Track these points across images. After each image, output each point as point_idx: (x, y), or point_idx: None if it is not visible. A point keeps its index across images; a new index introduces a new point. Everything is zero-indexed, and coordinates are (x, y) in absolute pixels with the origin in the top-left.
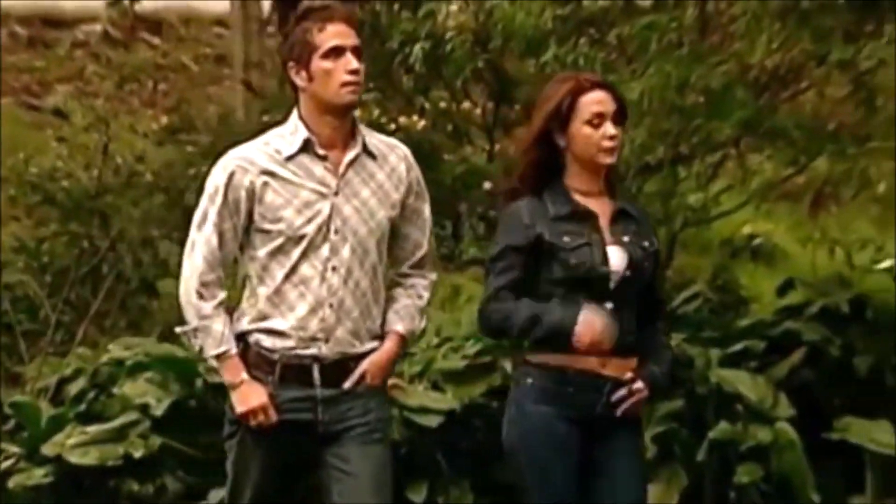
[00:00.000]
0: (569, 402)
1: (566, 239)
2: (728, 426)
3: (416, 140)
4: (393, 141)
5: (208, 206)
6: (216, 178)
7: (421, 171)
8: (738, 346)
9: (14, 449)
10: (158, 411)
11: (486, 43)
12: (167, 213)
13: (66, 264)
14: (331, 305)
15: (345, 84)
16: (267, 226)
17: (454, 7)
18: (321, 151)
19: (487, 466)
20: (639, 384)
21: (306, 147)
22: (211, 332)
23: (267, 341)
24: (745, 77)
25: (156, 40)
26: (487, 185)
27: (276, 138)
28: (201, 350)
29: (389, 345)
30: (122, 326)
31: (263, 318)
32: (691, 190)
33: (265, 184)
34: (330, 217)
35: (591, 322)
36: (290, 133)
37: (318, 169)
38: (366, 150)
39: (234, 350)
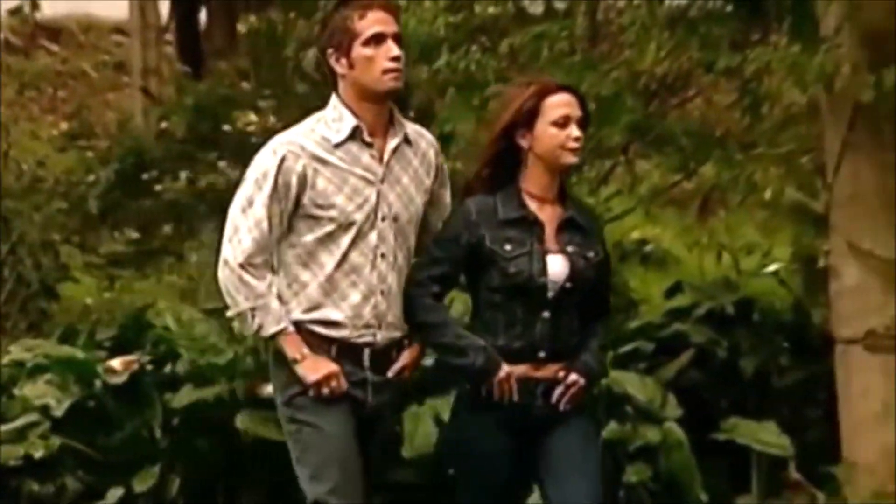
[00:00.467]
0: (503, 408)
1: (507, 247)
2: (618, 426)
3: None
4: (420, 128)
5: (254, 190)
6: (265, 163)
7: None
8: (627, 348)
9: None
10: (58, 412)
11: None
12: (67, 218)
13: None
14: (382, 292)
15: (387, 71)
16: (317, 212)
17: None
18: (368, 139)
19: (381, 465)
20: (573, 376)
21: (354, 134)
22: (270, 310)
23: (321, 330)
24: (635, 84)
25: (55, 47)
26: None
27: (321, 125)
28: (259, 329)
29: (419, 343)
30: (23, 328)
31: (315, 307)
32: (583, 195)
33: (316, 170)
34: (377, 204)
35: (508, 382)
36: (334, 120)
37: (365, 156)
38: (405, 139)
39: (291, 328)
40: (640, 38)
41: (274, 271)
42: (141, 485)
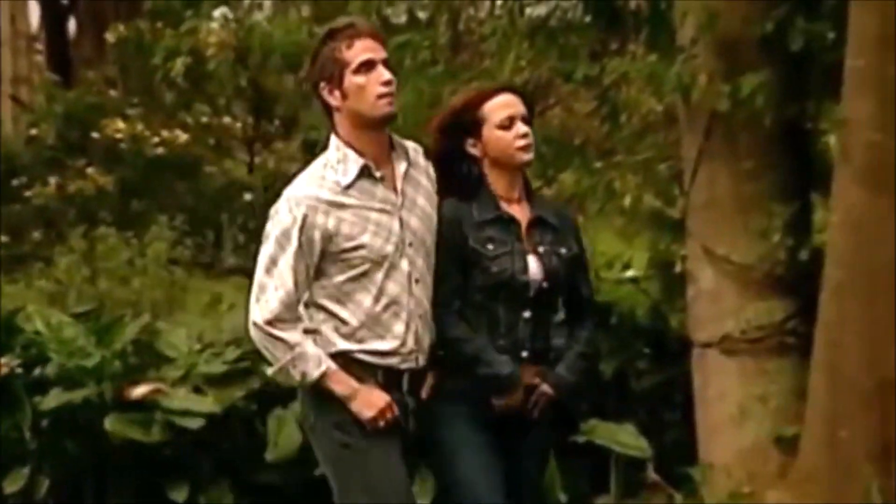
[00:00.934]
0: (481, 403)
1: (490, 247)
2: None
3: (178, 153)
4: (414, 144)
5: (277, 250)
6: (284, 221)
7: (183, 183)
8: None
9: None
10: None
11: (246, 59)
12: None
13: None
14: (420, 317)
15: (380, 96)
16: (347, 256)
17: (215, 24)
18: (377, 174)
19: (247, 467)
20: (544, 387)
21: (363, 173)
22: (308, 356)
23: (368, 358)
24: None
25: None
26: (248, 196)
27: (329, 171)
28: (303, 377)
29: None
30: None
31: (360, 340)
32: None
33: (339, 218)
34: (402, 232)
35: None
36: (339, 161)
37: (379, 189)
38: (409, 161)
39: (334, 365)
40: (501, 48)
41: (302, 319)
42: (11, 486)
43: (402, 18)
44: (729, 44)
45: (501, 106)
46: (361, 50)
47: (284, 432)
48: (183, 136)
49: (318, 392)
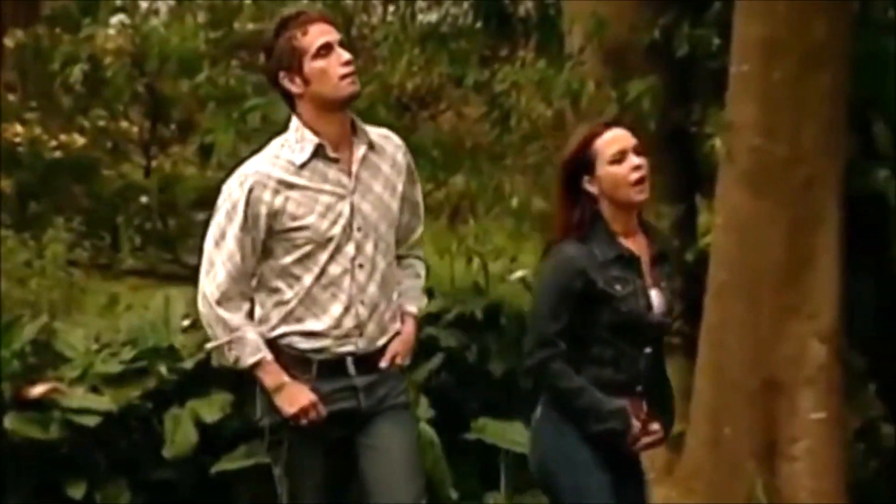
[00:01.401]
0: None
1: (618, 287)
2: None
3: (76, 157)
4: (385, 131)
5: (226, 222)
6: (233, 193)
7: (81, 186)
8: None
9: None
10: None
11: (143, 65)
12: None
13: None
14: (362, 302)
15: (343, 77)
16: (292, 235)
17: (112, 31)
18: (333, 154)
19: (143, 465)
20: (655, 426)
21: (317, 153)
22: (246, 341)
23: (302, 343)
24: (388, 98)
25: None
26: (144, 199)
27: (285, 149)
28: (236, 361)
29: (409, 327)
30: None
31: (296, 319)
32: None
33: (287, 197)
34: (351, 216)
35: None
36: (297, 141)
37: (332, 171)
38: (370, 146)
39: (269, 356)
40: (393, 53)
41: (251, 299)
42: None
43: None
44: (616, 50)
45: (612, 141)
46: (318, 34)
47: (180, 430)
48: (80, 140)
49: (261, 389)
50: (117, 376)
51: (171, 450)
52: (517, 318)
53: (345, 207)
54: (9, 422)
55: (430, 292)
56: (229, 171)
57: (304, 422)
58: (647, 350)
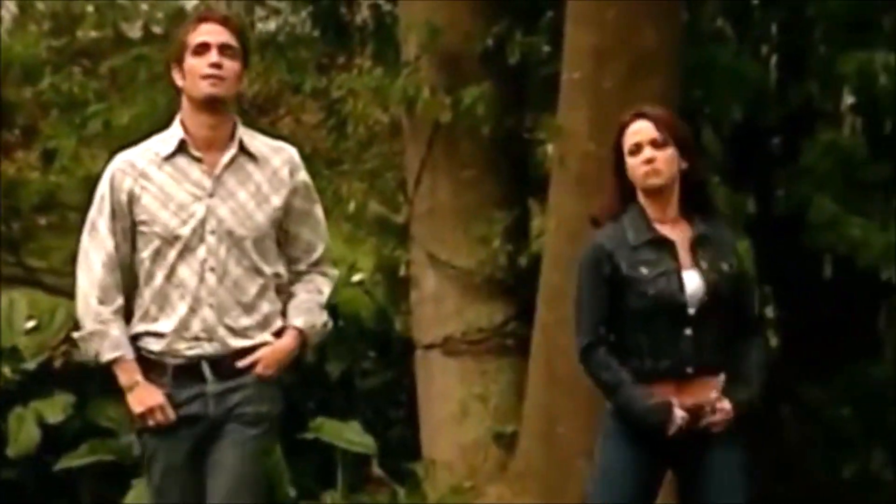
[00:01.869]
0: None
1: (644, 270)
2: None
3: None
4: (280, 144)
5: (97, 213)
6: (102, 184)
7: None
8: None
9: None
10: None
11: None
12: None
13: None
14: (210, 305)
15: (204, 77)
16: (145, 228)
17: None
18: (196, 153)
19: None
20: (723, 404)
21: (181, 148)
22: (107, 336)
23: (154, 344)
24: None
25: None
26: None
27: (158, 142)
28: (96, 355)
29: (286, 339)
30: None
31: (150, 320)
32: None
33: (143, 187)
34: (205, 218)
35: (675, 418)
36: (170, 135)
37: (195, 171)
38: (245, 152)
39: (130, 355)
40: None
41: (121, 290)
42: None
43: (138, 32)
44: (451, 58)
45: (632, 133)
46: (202, 33)
47: (24, 430)
48: None
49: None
50: None
51: (14, 448)
52: (355, 321)
53: (199, 209)
54: None
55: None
56: (71, 176)
57: (151, 423)
58: (688, 332)
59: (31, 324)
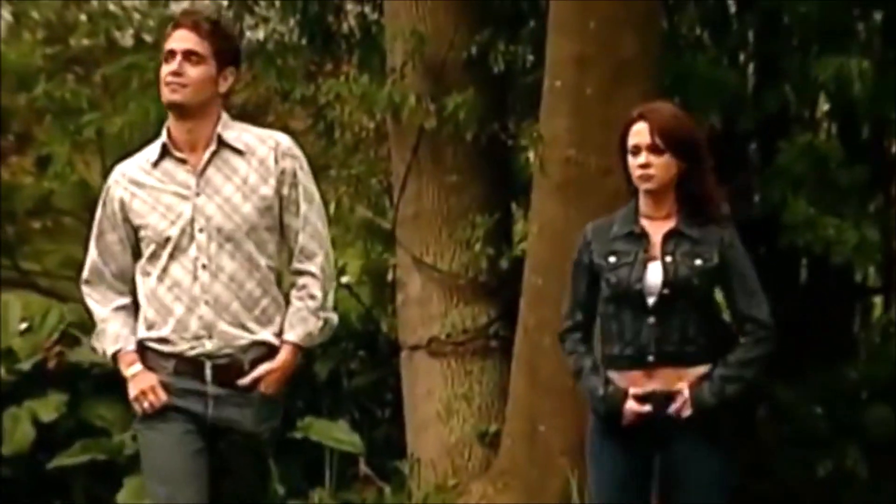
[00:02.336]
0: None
1: (612, 259)
2: None
3: None
4: (269, 132)
5: (97, 223)
6: (103, 193)
7: None
8: None
9: None
10: None
11: None
12: None
13: None
14: (206, 302)
15: (166, 84)
16: (140, 234)
17: None
18: (179, 155)
19: None
20: (685, 394)
21: (166, 152)
22: (107, 333)
23: (158, 346)
24: None
25: None
26: None
27: (149, 149)
28: (103, 353)
29: (283, 356)
30: None
31: (150, 325)
32: None
33: (133, 193)
34: (193, 217)
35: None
36: (158, 142)
37: (180, 172)
38: (227, 147)
39: (129, 347)
40: None
41: (111, 291)
42: None
43: (130, 41)
44: (436, 66)
45: (633, 134)
46: (172, 39)
47: (18, 429)
48: None
49: None
50: None
51: (9, 447)
52: (342, 322)
53: (186, 208)
54: None
55: None
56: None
57: (145, 405)
58: (650, 320)
59: (24, 325)
